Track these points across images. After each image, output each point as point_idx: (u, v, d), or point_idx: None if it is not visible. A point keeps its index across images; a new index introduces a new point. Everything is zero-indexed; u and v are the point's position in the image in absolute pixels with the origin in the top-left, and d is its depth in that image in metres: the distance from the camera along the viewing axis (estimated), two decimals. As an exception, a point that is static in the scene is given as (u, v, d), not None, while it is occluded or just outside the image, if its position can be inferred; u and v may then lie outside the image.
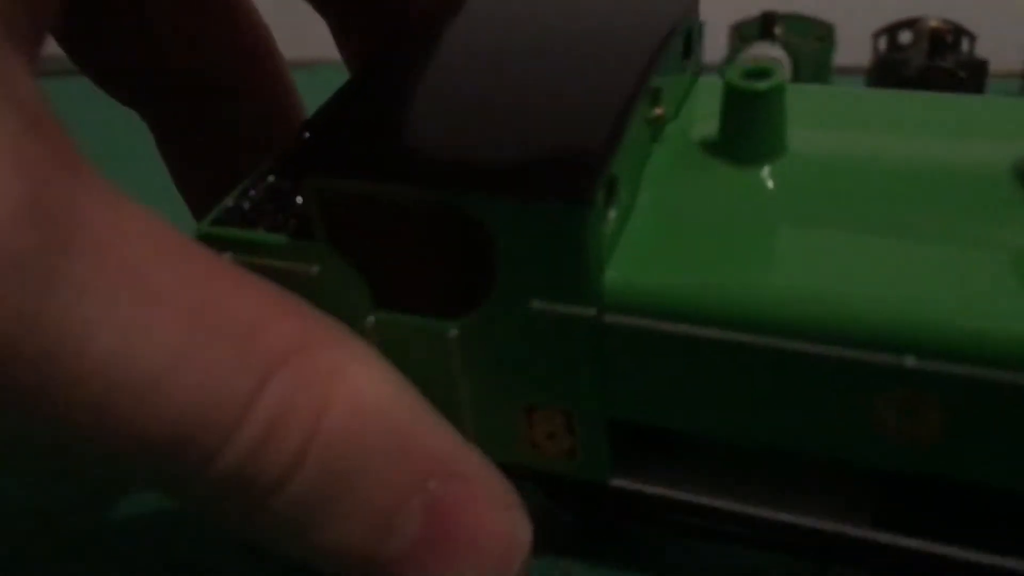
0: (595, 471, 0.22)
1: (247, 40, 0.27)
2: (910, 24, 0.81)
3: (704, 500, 0.22)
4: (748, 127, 0.21)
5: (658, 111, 0.22)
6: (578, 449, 0.22)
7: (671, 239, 0.20)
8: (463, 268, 0.20)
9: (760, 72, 0.21)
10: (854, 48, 0.93)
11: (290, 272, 0.21)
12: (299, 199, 0.22)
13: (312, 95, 0.26)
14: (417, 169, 0.20)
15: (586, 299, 0.20)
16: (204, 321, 0.16)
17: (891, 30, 0.84)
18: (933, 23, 0.74)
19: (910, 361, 0.18)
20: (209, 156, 0.27)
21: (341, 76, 0.26)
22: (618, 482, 0.22)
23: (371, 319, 0.21)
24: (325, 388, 0.18)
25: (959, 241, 0.19)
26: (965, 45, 0.77)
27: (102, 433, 0.15)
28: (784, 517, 0.21)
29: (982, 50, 0.77)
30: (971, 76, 0.69)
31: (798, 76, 0.76)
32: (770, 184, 0.21)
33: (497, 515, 0.20)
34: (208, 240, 0.21)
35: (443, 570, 0.19)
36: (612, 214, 0.20)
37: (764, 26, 0.80)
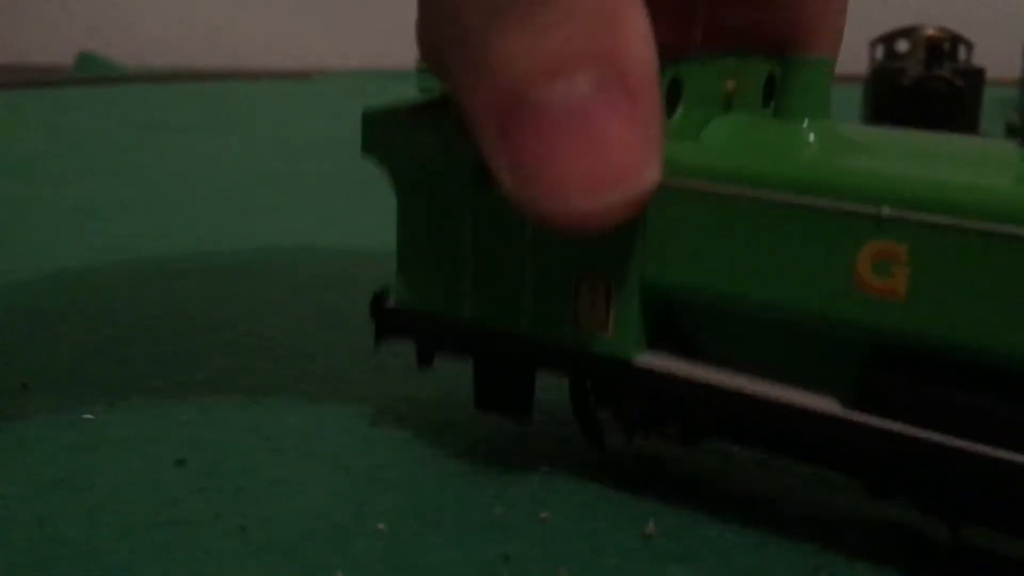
0: (623, 346, 0.26)
1: None
2: (907, 33, 0.81)
3: (724, 383, 0.26)
4: (797, 91, 0.27)
5: (730, 83, 0.28)
6: (611, 321, 0.26)
7: (714, 141, 0.27)
8: None
9: None
10: (851, 57, 0.93)
11: (429, 140, 0.29)
12: None
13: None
14: None
15: None
16: None
17: (888, 39, 0.84)
18: (930, 32, 0.74)
19: (886, 210, 0.23)
20: None
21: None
22: (643, 361, 0.26)
23: (475, 198, 0.28)
24: None
25: (942, 160, 0.25)
26: (962, 53, 0.78)
27: None
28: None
29: (979, 58, 0.77)
30: (968, 84, 0.69)
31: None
32: (803, 127, 0.27)
33: (641, 144, 0.23)
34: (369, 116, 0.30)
35: (559, 155, 0.22)
36: (679, 111, 0.26)
37: (762, 35, 0.81)
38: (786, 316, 0.25)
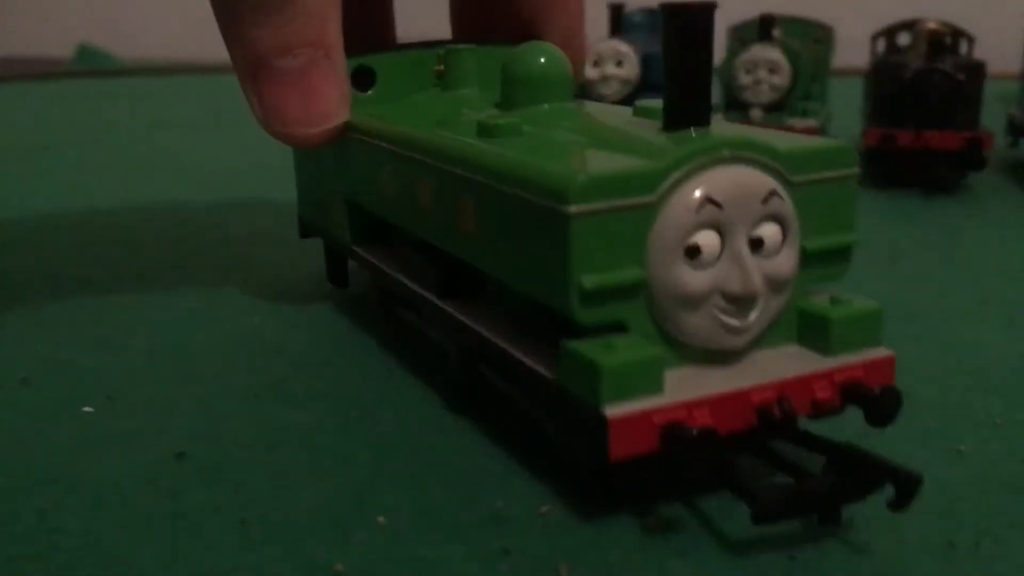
0: (343, 239, 0.42)
1: None
2: (909, 26, 0.81)
3: (374, 263, 0.40)
4: (450, 72, 0.40)
5: (439, 67, 0.40)
6: (339, 222, 0.42)
7: (385, 109, 0.40)
8: None
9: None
10: (853, 50, 0.93)
11: None
12: None
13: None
14: None
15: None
16: None
17: (890, 32, 0.84)
18: (932, 25, 0.74)
19: (391, 147, 0.35)
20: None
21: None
22: (355, 247, 0.41)
23: None
24: None
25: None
26: (963, 47, 0.77)
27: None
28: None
29: (980, 52, 0.77)
30: (969, 78, 0.69)
31: (797, 78, 0.76)
32: (446, 97, 0.39)
33: (337, 97, 0.37)
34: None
35: (287, 100, 0.36)
36: (375, 88, 0.41)
37: (763, 28, 0.80)
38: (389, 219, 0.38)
